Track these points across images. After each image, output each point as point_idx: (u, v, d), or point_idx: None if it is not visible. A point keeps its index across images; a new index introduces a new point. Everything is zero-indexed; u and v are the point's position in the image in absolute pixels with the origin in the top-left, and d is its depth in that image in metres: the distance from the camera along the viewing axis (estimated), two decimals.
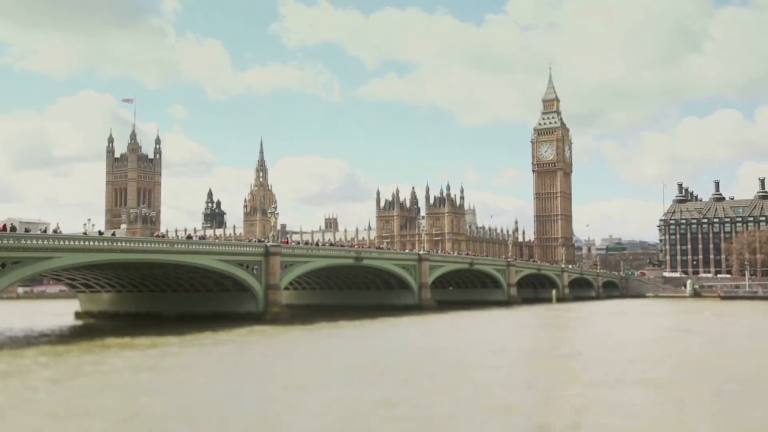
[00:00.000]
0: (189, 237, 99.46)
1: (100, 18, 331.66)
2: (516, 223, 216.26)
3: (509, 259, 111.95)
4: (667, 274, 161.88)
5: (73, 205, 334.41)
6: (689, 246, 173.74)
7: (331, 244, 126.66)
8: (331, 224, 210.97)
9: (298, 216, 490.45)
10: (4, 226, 49.95)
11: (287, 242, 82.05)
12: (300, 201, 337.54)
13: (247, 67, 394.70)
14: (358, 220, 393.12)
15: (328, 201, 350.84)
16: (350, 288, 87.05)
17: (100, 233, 66.81)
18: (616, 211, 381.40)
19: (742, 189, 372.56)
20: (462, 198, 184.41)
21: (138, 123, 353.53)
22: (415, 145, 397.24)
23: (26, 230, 55.83)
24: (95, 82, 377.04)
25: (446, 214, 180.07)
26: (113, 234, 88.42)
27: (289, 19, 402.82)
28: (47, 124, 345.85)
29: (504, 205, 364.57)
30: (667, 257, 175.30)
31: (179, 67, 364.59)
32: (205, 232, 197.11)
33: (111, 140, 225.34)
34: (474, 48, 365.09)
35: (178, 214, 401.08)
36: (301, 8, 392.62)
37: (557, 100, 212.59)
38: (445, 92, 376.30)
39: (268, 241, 66.84)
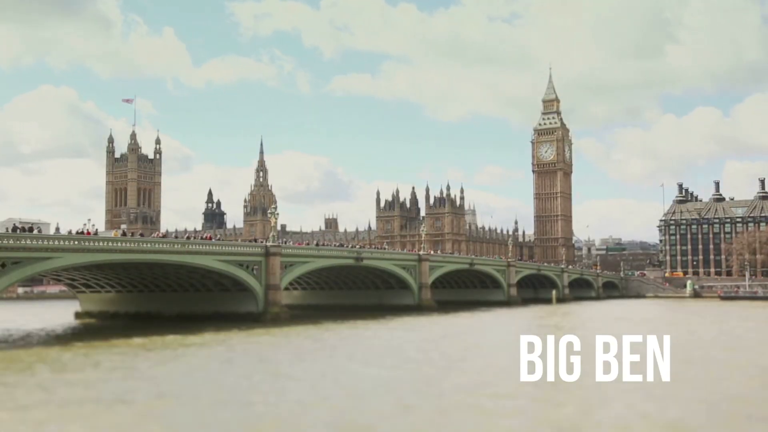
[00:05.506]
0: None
1: (42, 6, 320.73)
2: (516, 223, 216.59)
3: (509, 260, 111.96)
4: (667, 274, 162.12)
5: (55, 204, 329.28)
6: (689, 246, 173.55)
7: (340, 245, 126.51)
8: (331, 224, 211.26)
9: (289, 215, 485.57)
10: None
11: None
12: (286, 200, 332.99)
13: (205, 60, 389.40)
14: (350, 220, 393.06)
15: (314, 199, 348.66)
16: (350, 288, 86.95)
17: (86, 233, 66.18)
18: (610, 210, 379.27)
19: (734, 188, 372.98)
20: (462, 198, 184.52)
21: (100, 115, 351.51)
22: (392, 140, 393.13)
23: (30, 229, 55.50)
24: (47, 75, 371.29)
25: (446, 215, 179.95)
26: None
27: (237, 16, 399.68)
28: (7, 121, 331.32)
29: (492, 203, 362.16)
30: (667, 258, 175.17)
31: (135, 58, 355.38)
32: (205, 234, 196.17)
33: (111, 140, 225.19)
34: (441, 39, 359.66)
35: (171, 213, 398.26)
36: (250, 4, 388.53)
37: (557, 100, 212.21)
38: (414, 85, 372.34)
39: (268, 241, 66.80)
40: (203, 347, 42.92)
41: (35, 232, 53.60)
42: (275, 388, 27.76)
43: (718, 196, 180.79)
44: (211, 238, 71.95)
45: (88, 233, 54.77)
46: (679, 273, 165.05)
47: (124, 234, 68.25)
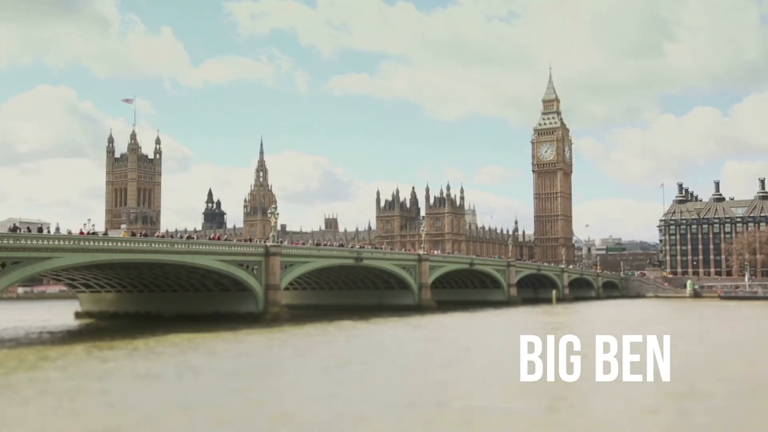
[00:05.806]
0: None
1: (39, 5, 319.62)
2: (516, 223, 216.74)
3: (509, 260, 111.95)
4: (666, 274, 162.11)
5: (55, 204, 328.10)
6: (689, 246, 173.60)
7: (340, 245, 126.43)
8: (331, 224, 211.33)
9: (289, 215, 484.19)
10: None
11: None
12: (286, 200, 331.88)
13: (203, 59, 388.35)
14: (350, 220, 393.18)
15: (314, 199, 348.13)
16: (350, 288, 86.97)
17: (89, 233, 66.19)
18: (610, 210, 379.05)
19: (734, 188, 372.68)
20: (462, 198, 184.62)
21: (98, 115, 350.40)
22: (392, 140, 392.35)
23: (40, 230, 55.40)
24: (45, 75, 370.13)
25: (446, 215, 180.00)
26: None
27: (234, 15, 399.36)
28: (5, 121, 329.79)
29: (492, 203, 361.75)
30: (667, 258, 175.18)
31: (133, 58, 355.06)
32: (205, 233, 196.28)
33: (111, 140, 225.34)
34: (439, 39, 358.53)
35: (171, 213, 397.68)
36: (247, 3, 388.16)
37: (557, 100, 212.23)
38: (413, 85, 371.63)
39: (268, 241, 66.77)
40: (203, 347, 42.90)
41: (44, 232, 53.69)
42: (273, 387, 27.76)
43: (718, 196, 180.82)
44: (219, 239, 71.88)
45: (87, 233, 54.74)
46: (668, 273, 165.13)
47: (133, 234, 67.90)
